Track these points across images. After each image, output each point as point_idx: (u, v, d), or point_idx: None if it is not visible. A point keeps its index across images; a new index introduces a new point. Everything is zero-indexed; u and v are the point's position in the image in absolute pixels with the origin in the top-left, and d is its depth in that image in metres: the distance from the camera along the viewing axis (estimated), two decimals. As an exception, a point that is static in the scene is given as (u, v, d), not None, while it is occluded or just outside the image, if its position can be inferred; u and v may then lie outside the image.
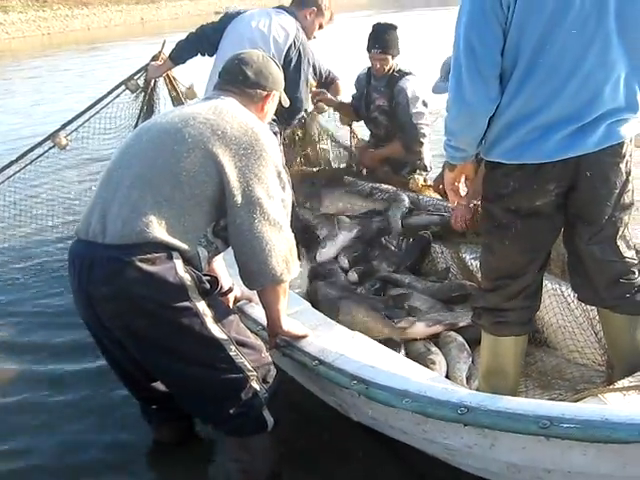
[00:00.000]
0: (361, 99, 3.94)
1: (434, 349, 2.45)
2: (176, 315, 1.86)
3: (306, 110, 3.56)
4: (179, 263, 1.87)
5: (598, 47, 1.68)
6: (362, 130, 4.24)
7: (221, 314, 1.97)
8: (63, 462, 2.36)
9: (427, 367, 2.20)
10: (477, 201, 2.19)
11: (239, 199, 1.91)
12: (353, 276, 2.99)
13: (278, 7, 3.45)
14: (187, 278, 1.87)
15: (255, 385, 1.98)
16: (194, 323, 1.87)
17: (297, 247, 2.08)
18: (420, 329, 2.53)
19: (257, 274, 1.97)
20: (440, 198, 3.42)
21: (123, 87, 3.96)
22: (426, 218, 3.27)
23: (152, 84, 3.98)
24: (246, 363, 1.96)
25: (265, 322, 2.14)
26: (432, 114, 3.76)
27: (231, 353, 1.93)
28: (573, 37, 1.67)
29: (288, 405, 2.33)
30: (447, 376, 2.32)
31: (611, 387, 1.80)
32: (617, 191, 1.84)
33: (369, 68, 3.86)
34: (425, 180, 3.80)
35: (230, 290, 2.36)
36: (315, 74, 3.55)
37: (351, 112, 4.07)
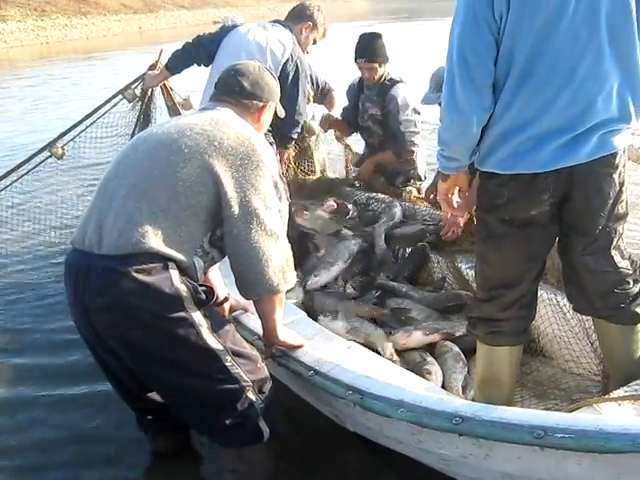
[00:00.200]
0: (354, 109, 3.96)
1: (430, 359, 2.45)
2: (172, 326, 1.86)
3: (305, 121, 3.58)
4: (175, 273, 1.87)
5: (590, 58, 1.70)
6: (357, 145, 4.26)
7: (217, 324, 1.97)
8: (59, 473, 2.35)
9: (423, 377, 2.20)
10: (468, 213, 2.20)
11: (236, 210, 1.91)
12: (350, 290, 2.97)
13: (274, 21, 3.47)
14: (183, 289, 1.87)
15: (251, 395, 1.98)
16: (190, 334, 1.87)
17: (294, 257, 2.09)
18: (418, 338, 2.53)
19: (254, 284, 1.97)
20: (435, 208, 3.42)
21: (120, 96, 3.96)
22: (413, 228, 3.28)
23: (149, 93, 3.99)
24: (242, 373, 1.96)
25: (261, 332, 2.14)
26: (426, 123, 3.77)
27: (227, 363, 1.93)
28: (565, 48, 1.68)
29: (284, 415, 2.33)
30: (443, 386, 2.31)
31: (606, 397, 1.80)
32: (611, 201, 1.85)
33: (361, 78, 3.88)
34: (419, 191, 3.81)
35: (226, 300, 2.36)
36: (312, 84, 3.57)
37: (346, 128, 4.10)
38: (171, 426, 2.30)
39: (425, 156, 3.96)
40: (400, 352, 2.50)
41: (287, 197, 2.59)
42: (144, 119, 4.02)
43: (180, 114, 3.73)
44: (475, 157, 1.88)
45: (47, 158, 4.02)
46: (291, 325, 2.29)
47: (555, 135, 1.74)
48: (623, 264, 1.95)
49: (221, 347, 1.93)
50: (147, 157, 1.97)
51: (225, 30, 3.40)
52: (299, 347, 2.14)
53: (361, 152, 4.19)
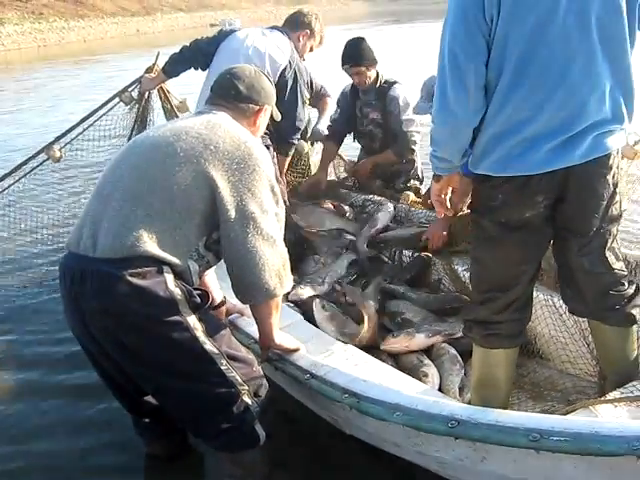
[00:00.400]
0: (347, 117, 3.94)
1: (427, 361, 2.44)
2: (166, 329, 1.86)
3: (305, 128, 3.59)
4: (170, 277, 1.87)
5: (582, 60, 1.70)
6: (349, 150, 4.27)
7: (212, 328, 1.97)
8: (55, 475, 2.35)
9: (420, 379, 2.20)
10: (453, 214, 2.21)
11: (232, 214, 1.91)
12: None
13: (272, 27, 3.47)
14: (177, 292, 1.87)
15: (246, 399, 1.97)
16: (184, 337, 1.87)
17: (290, 260, 2.09)
18: (420, 340, 2.52)
19: (250, 288, 1.96)
20: (431, 210, 3.42)
21: (117, 99, 3.95)
22: (409, 230, 3.28)
23: (146, 96, 3.98)
24: (237, 377, 1.96)
25: (257, 335, 2.14)
26: (423, 125, 3.78)
27: (222, 367, 1.93)
28: (557, 50, 1.69)
29: (280, 418, 2.33)
30: (440, 388, 2.31)
31: (602, 399, 1.80)
32: (605, 203, 1.85)
33: (353, 85, 3.88)
34: (418, 191, 3.82)
35: (222, 303, 2.36)
36: (308, 88, 3.57)
37: (334, 150, 4.11)
38: (168, 430, 2.29)
39: (422, 155, 3.96)
40: (397, 355, 2.50)
41: (285, 200, 2.62)
42: (141, 122, 4.01)
43: (177, 117, 3.74)
44: (467, 158, 1.88)
45: (44, 161, 4.00)
46: (288, 328, 2.28)
47: (548, 137, 1.74)
48: (618, 265, 1.95)
49: (216, 351, 1.93)
50: (142, 160, 1.97)
51: (223, 34, 3.40)
52: (295, 351, 2.14)
53: (355, 158, 4.20)
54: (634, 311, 1.99)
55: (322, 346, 2.24)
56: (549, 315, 2.48)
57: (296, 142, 3.49)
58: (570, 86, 1.71)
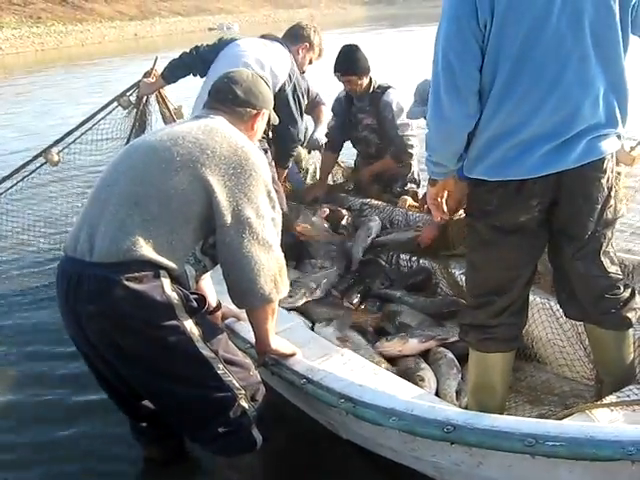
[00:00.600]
0: (343, 124, 3.96)
1: (424, 365, 2.44)
2: (163, 333, 1.85)
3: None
4: (166, 281, 1.87)
5: (576, 64, 1.71)
6: (344, 156, 4.29)
7: (209, 332, 1.96)
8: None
9: (417, 384, 2.20)
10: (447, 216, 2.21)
11: (228, 219, 1.91)
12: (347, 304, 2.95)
13: (272, 39, 3.47)
14: (174, 297, 1.87)
15: (243, 403, 1.97)
16: (181, 341, 1.87)
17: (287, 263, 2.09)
18: (413, 345, 2.52)
19: (246, 293, 1.96)
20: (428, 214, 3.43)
21: (115, 103, 3.96)
22: (406, 234, 3.28)
23: (144, 101, 3.99)
24: (234, 381, 1.95)
25: (253, 340, 2.14)
26: (419, 128, 3.79)
27: (219, 371, 1.93)
28: (550, 55, 1.69)
29: (277, 422, 2.32)
30: (437, 393, 2.31)
31: (599, 403, 1.81)
32: (599, 206, 1.86)
33: (347, 91, 3.89)
34: (416, 194, 3.83)
35: (218, 308, 2.36)
36: (306, 98, 3.59)
37: (333, 160, 4.15)
38: (164, 433, 2.29)
39: (419, 157, 3.98)
40: (394, 359, 2.50)
41: (283, 206, 2.62)
42: (139, 126, 4.02)
43: (175, 122, 3.74)
44: (463, 162, 1.89)
45: (42, 165, 4.02)
46: (284, 333, 2.29)
47: (542, 141, 1.75)
48: (613, 269, 1.95)
49: (213, 355, 1.92)
50: (139, 165, 1.97)
51: (223, 42, 3.40)
52: (291, 355, 2.14)
53: (352, 163, 4.22)
54: (630, 315, 1.98)
55: (319, 351, 2.24)
56: (546, 319, 2.48)
57: (294, 153, 3.50)
58: (564, 90, 1.71)
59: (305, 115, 3.60)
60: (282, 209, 2.26)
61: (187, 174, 1.90)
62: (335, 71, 3.72)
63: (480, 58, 1.73)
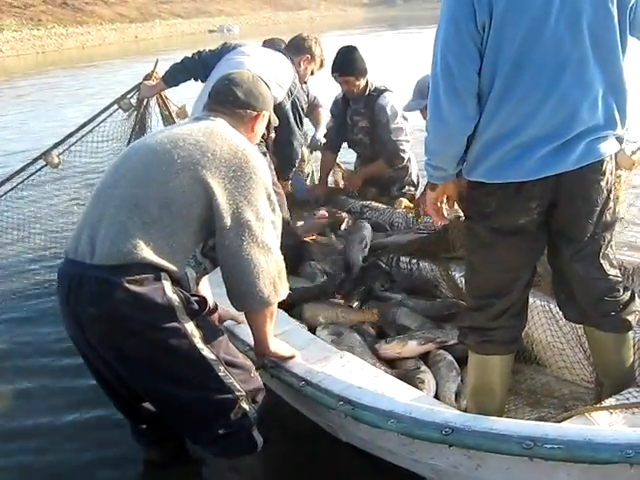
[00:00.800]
0: (340, 125, 3.97)
1: (423, 368, 2.44)
2: (164, 336, 1.86)
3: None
4: (167, 284, 1.87)
5: (574, 66, 1.71)
6: (345, 156, 4.30)
7: (210, 334, 1.97)
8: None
9: (416, 386, 2.19)
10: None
11: (228, 221, 1.91)
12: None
13: (276, 49, 3.49)
14: (175, 299, 1.87)
15: (244, 405, 1.97)
16: (182, 344, 1.87)
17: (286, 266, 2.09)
18: (412, 348, 2.52)
19: (245, 296, 1.97)
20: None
21: (116, 106, 3.97)
22: (406, 237, 3.28)
23: (144, 103, 4.00)
24: (235, 383, 1.95)
25: (252, 342, 2.14)
26: (416, 131, 3.80)
27: (220, 373, 1.93)
28: (549, 57, 1.69)
29: (277, 424, 2.32)
30: (437, 395, 2.31)
31: (598, 406, 1.80)
32: (598, 208, 1.86)
33: (344, 93, 3.91)
34: (413, 197, 3.83)
35: (215, 310, 2.36)
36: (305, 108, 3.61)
37: (332, 160, 4.16)
38: (165, 436, 2.29)
39: (417, 161, 3.98)
40: (394, 361, 2.50)
41: (285, 208, 2.63)
42: (139, 128, 4.03)
43: (175, 123, 3.74)
44: (462, 166, 1.89)
45: (42, 167, 4.02)
46: (283, 335, 2.29)
47: (541, 143, 1.75)
48: (612, 272, 1.95)
49: (214, 357, 1.93)
50: (140, 167, 1.97)
51: (226, 48, 3.40)
52: (290, 358, 2.14)
53: (352, 165, 4.23)
54: (630, 317, 1.98)
55: (318, 353, 2.23)
56: (546, 321, 2.47)
57: (296, 164, 3.51)
58: (562, 92, 1.71)
59: (305, 118, 3.62)
60: (282, 212, 2.27)
61: (187, 177, 1.91)
62: (333, 72, 3.73)
63: (479, 61, 1.73)
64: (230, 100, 2.14)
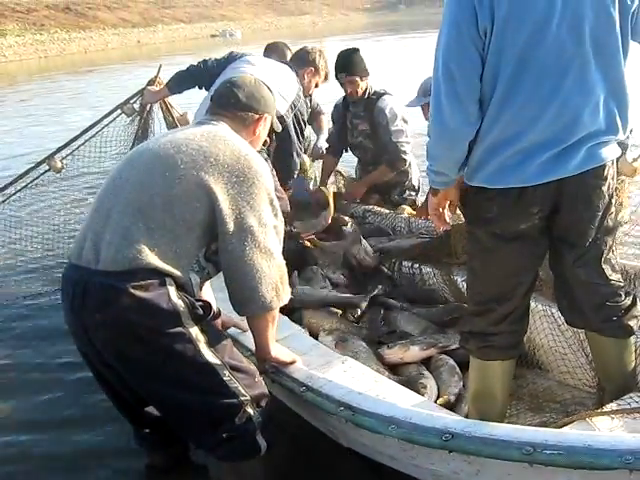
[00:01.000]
0: (341, 129, 3.99)
1: (425, 373, 2.44)
2: (170, 341, 1.86)
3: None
4: (172, 289, 1.88)
5: (576, 71, 1.71)
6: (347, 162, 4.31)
7: (214, 339, 1.97)
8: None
9: (418, 391, 2.19)
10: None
11: (231, 227, 1.92)
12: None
13: (282, 61, 3.50)
14: (180, 304, 1.88)
15: (249, 410, 1.98)
16: (187, 349, 1.88)
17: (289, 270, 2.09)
18: (414, 353, 2.52)
19: (247, 301, 1.97)
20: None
21: (119, 111, 3.99)
22: (409, 241, 3.28)
23: (147, 108, 4.01)
24: (240, 388, 1.96)
25: (254, 348, 2.14)
26: (420, 135, 3.80)
27: (225, 378, 1.93)
28: (550, 62, 1.69)
29: (280, 428, 2.32)
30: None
31: (599, 411, 1.80)
32: (600, 213, 1.86)
33: (344, 96, 3.92)
34: (414, 202, 3.83)
35: (217, 315, 2.36)
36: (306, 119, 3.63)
37: (333, 163, 4.18)
38: (168, 440, 2.29)
39: (417, 164, 3.99)
40: (396, 366, 2.50)
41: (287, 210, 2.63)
42: (142, 133, 4.04)
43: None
44: (464, 171, 1.89)
45: (45, 171, 4.04)
46: (285, 340, 2.29)
47: (543, 149, 1.75)
48: (614, 277, 1.95)
49: (219, 362, 1.93)
50: (143, 172, 1.97)
51: (232, 57, 3.41)
52: (291, 363, 2.15)
53: (353, 169, 4.23)
54: (631, 322, 1.98)
55: (320, 358, 2.23)
56: (548, 326, 2.47)
57: (295, 175, 3.50)
58: (564, 97, 1.71)
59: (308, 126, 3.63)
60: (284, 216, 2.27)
61: (191, 182, 1.91)
62: (338, 72, 3.74)
63: (480, 66, 1.73)
64: (232, 103, 2.15)
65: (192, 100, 3.84)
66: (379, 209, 3.77)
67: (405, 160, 3.83)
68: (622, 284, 1.99)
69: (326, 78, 3.64)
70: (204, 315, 1.96)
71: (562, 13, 1.67)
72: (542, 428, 1.66)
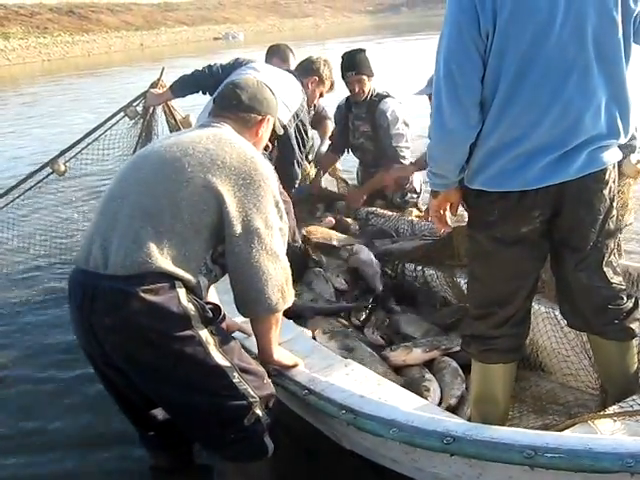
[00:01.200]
0: (343, 130, 4.00)
1: (428, 375, 2.43)
2: (180, 344, 1.86)
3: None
4: (182, 292, 1.88)
5: (578, 75, 1.70)
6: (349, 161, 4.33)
7: (223, 341, 1.97)
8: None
9: (421, 394, 2.19)
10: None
11: (238, 229, 1.93)
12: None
13: (287, 69, 3.52)
14: (190, 307, 1.88)
15: (258, 411, 1.98)
16: (198, 352, 1.88)
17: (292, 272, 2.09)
18: (417, 355, 2.52)
19: (253, 303, 1.98)
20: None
21: (122, 114, 4.00)
22: (411, 243, 3.29)
23: (150, 111, 4.02)
24: (249, 390, 1.96)
25: (256, 350, 2.15)
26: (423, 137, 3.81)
27: (234, 380, 1.94)
28: (553, 65, 1.69)
29: (281, 430, 2.33)
30: (441, 402, 2.31)
31: (601, 413, 1.79)
32: (601, 217, 1.85)
33: (347, 98, 3.93)
34: (416, 205, 3.84)
35: (224, 319, 2.37)
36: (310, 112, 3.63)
37: (333, 159, 4.20)
38: (173, 442, 2.29)
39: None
40: (399, 369, 2.50)
41: (292, 215, 2.64)
42: (145, 136, 4.05)
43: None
44: (464, 173, 1.88)
45: (49, 175, 4.05)
46: (288, 343, 2.29)
47: (544, 152, 1.74)
48: (616, 280, 1.94)
49: (229, 364, 1.93)
50: (150, 176, 1.98)
51: (238, 63, 3.42)
52: (294, 367, 2.15)
53: (354, 171, 4.24)
54: (633, 325, 1.97)
55: (322, 361, 2.23)
56: (550, 328, 2.47)
57: (297, 185, 3.50)
58: (565, 101, 1.71)
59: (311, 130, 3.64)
60: (289, 220, 2.28)
61: (199, 185, 1.92)
62: (348, 71, 3.74)
63: (482, 69, 1.73)
64: (234, 104, 2.16)
65: (195, 102, 3.85)
66: (382, 211, 3.78)
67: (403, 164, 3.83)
68: (624, 287, 1.98)
69: (331, 87, 3.65)
70: (214, 318, 1.97)
71: (565, 16, 1.66)
72: (543, 431, 1.66)
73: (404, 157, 3.81)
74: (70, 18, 39.28)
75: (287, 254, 2.06)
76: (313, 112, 3.67)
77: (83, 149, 4.04)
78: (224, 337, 2.01)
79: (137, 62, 25.35)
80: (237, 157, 1.97)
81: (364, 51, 3.82)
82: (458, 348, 2.48)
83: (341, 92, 3.95)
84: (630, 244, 3.75)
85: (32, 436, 2.67)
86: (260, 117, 2.20)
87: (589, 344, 2.16)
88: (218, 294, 2.35)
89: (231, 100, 2.16)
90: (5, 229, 4.22)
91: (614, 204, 1.89)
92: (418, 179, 4.01)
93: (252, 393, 1.96)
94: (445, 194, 1.96)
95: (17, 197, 4.09)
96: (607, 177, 1.83)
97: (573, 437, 1.43)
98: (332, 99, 4.12)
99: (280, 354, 2.14)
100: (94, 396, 2.75)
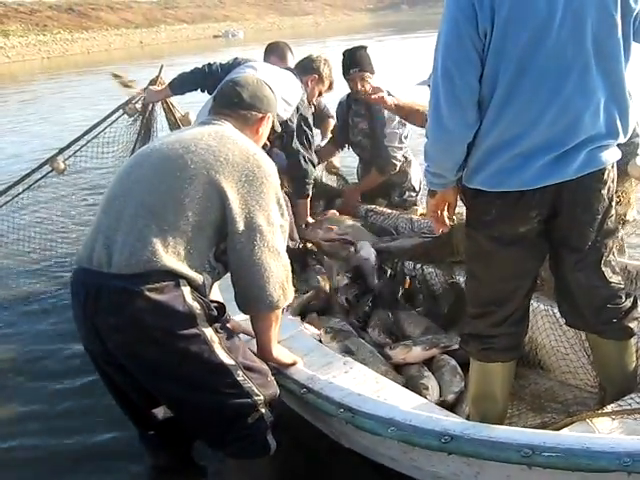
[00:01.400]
0: (344, 126, 4.00)
1: (427, 373, 2.44)
2: (185, 343, 1.86)
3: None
4: (187, 290, 1.88)
5: (577, 74, 1.69)
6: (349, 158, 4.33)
7: (228, 340, 1.98)
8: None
9: (420, 392, 2.19)
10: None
11: (241, 226, 1.93)
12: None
13: (286, 67, 3.50)
14: (195, 306, 1.88)
15: (262, 409, 1.98)
16: (203, 350, 1.88)
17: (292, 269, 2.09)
18: (417, 353, 2.53)
19: (255, 299, 1.98)
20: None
21: (121, 111, 4.00)
22: (410, 241, 3.28)
23: (149, 108, 4.02)
24: (254, 388, 1.97)
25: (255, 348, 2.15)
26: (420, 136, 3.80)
27: (239, 378, 1.94)
28: (551, 65, 1.68)
29: (280, 428, 2.33)
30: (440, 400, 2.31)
31: (599, 412, 1.80)
32: (600, 217, 1.85)
33: (348, 95, 3.93)
34: (416, 203, 3.84)
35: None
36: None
37: (332, 150, 4.20)
38: (173, 441, 2.29)
39: (419, 166, 3.99)
40: (398, 367, 2.50)
41: (290, 213, 2.63)
42: (145, 133, 4.06)
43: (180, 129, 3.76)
44: (462, 173, 1.88)
45: (48, 173, 4.06)
46: (288, 341, 2.29)
47: (542, 152, 1.74)
48: (614, 279, 1.94)
49: (233, 362, 1.94)
50: (153, 173, 1.97)
51: (237, 62, 3.41)
52: (292, 365, 2.15)
53: (354, 169, 4.24)
54: (632, 324, 1.97)
55: (321, 359, 2.23)
56: (549, 326, 2.47)
57: (311, 181, 3.49)
58: (564, 101, 1.70)
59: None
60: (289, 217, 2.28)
61: (202, 182, 1.92)
62: (352, 68, 3.73)
63: (479, 68, 1.72)
64: (235, 102, 2.16)
65: (194, 99, 3.85)
66: (382, 209, 3.77)
67: (395, 165, 3.82)
68: (622, 286, 1.98)
69: (330, 87, 3.64)
70: (218, 316, 1.97)
71: (564, 15, 1.65)
72: (541, 430, 1.66)
73: (396, 157, 3.79)
74: (70, 16, 39.26)
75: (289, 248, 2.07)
76: (314, 110, 3.66)
77: (82, 147, 4.04)
78: (229, 335, 2.01)
79: (137, 60, 25.34)
80: (240, 154, 1.97)
81: (365, 48, 3.80)
82: (457, 346, 2.48)
83: (343, 89, 3.94)
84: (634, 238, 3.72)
85: (32, 436, 2.68)
86: (261, 115, 2.20)
87: (588, 343, 2.17)
88: (221, 291, 2.35)
89: (232, 98, 2.16)
90: (5, 228, 4.22)
91: (613, 204, 1.89)
92: (417, 177, 4.00)
93: (256, 391, 1.97)
94: (443, 193, 1.95)
95: (16, 195, 4.10)
96: (606, 177, 1.83)
97: (570, 436, 1.43)
98: (335, 97, 4.11)
99: (279, 352, 2.14)
100: (94, 396, 2.75)
